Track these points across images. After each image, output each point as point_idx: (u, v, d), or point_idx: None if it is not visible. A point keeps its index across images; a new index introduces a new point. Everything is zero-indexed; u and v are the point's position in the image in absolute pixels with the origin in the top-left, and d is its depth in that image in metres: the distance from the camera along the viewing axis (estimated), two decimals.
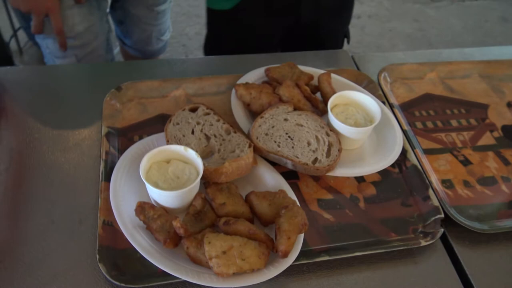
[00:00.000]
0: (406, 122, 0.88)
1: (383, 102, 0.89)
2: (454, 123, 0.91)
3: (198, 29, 2.66)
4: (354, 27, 1.27)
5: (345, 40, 1.29)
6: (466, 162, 0.83)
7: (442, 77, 1.00)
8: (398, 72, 0.98)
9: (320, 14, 1.16)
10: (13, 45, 2.20)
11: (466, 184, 0.80)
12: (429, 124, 0.90)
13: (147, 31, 1.39)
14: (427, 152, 0.84)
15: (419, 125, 0.89)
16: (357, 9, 1.25)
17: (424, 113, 0.92)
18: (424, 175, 0.78)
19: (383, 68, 0.97)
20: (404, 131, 0.85)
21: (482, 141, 0.88)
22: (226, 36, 1.20)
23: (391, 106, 0.90)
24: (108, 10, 1.26)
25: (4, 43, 1.88)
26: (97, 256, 0.62)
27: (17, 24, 2.13)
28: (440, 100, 0.96)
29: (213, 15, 1.17)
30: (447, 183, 0.79)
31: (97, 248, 0.63)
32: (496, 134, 0.89)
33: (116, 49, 1.61)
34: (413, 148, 0.82)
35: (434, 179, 0.78)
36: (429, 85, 0.99)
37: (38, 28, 1.01)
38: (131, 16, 1.35)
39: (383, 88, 0.93)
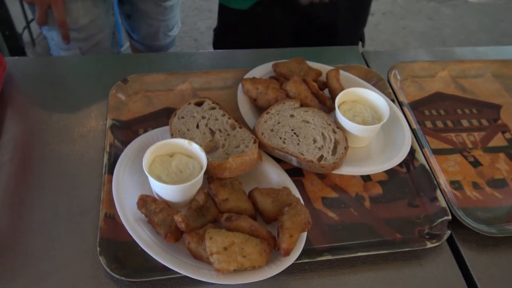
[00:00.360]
0: (415, 121, 0.86)
1: (392, 100, 0.87)
2: (465, 123, 0.89)
3: (209, 23, 2.65)
4: (367, 24, 1.25)
5: (360, 43, 1.27)
6: (476, 163, 0.81)
7: (454, 76, 0.98)
8: (408, 70, 0.96)
9: (337, 15, 1.14)
10: (26, 36, 2.22)
11: (475, 185, 0.78)
12: (439, 124, 0.88)
13: (154, 26, 1.39)
14: (436, 152, 0.82)
15: (428, 124, 0.87)
16: (371, 6, 1.23)
17: (434, 112, 0.90)
18: (432, 176, 0.76)
19: (393, 66, 0.95)
20: (413, 130, 0.83)
21: (493, 142, 0.86)
22: (239, 33, 1.19)
23: (400, 104, 0.88)
24: (115, 3, 1.26)
25: (17, 34, 1.88)
26: (98, 249, 0.62)
27: (30, 16, 2.15)
28: (451, 99, 0.94)
29: (226, 12, 1.16)
30: (456, 184, 0.78)
31: (98, 240, 0.63)
32: (508, 135, 0.87)
33: (127, 44, 1.61)
34: (421, 147, 0.81)
35: (442, 179, 0.77)
36: (440, 83, 0.97)
37: (42, 19, 1.02)
38: (138, 11, 1.34)
39: (392, 86, 0.91)
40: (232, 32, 1.21)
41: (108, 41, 1.20)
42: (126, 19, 1.42)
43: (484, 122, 0.89)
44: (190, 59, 0.96)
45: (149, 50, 1.48)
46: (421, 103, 0.92)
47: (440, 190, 0.74)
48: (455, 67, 0.99)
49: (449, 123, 0.88)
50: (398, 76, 0.95)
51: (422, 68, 0.97)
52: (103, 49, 1.19)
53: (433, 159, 0.80)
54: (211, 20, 2.68)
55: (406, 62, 0.97)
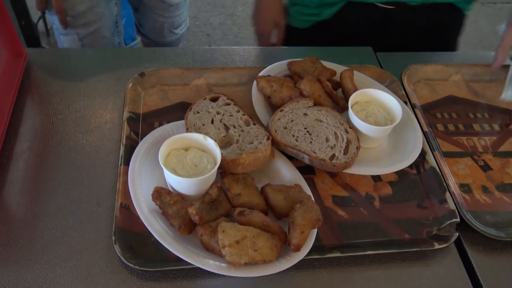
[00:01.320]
0: (427, 123, 0.86)
1: (405, 102, 0.88)
2: (476, 127, 0.89)
3: (222, 19, 2.66)
4: None
5: None
6: (486, 168, 0.82)
7: (467, 80, 0.99)
8: (422, 72, 0.97)
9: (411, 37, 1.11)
10: (40, 26, 2.24)
11: (485, 189, 0.79)
12: (451, 127, 0.88)
13: (159, 22, 1.40)
14: (447, 155, 0.83)
15: (440, 127, 0.88)
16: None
17: (446, 115, 0.91)
18: (442, 178, 0.77)
19: (407, 68, 0.96)
20: (424, 133, 0.84)
21: (504, 147, 0.86)
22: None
23: (412, 107, 0.89)
24: None
25: (33, 24, 1.91)
26: (113, 238, 0.64)
27: None
28: (464, 103, 0.94)
29: (289, 30, 1.16)
30: (465, 188, 0.78)
31: (113, 230, 0.65)
32: None
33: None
34: (432, 150, 0.81)
35: (452, 182, 0.78)
36: (453, 87, 0.97)
37: (41, 5, 1.07)
38: (143, 5, 1.36)
39: (406, 88, 0.92)
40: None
41: (108, 30, 1.22)
42: (134, 12, 1.44)
43: (496, 127, 0.90)
44: (206, 55, 0.97)
45: (155, 45, 1.49)
46: (433, 106, 0.92)
47: (450, 192, 0.75)
48: (469, 71, 0.99)
49: (461, 126, 0.89)
50: (412, 79, 0.96)
51: (436, 71, 0.98)
52: (102, 37, 1.21)
53: (443, 162, 0.81)
54: (224, 15, 2.69)
55: (419, 64, 0.97)
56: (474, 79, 0.99)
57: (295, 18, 1.13)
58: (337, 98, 0.84)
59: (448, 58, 1.06)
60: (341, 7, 1.05)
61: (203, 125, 0.76)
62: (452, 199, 0.74)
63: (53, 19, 1.15)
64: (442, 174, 0.78)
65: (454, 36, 1.18)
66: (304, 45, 1.09)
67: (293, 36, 1.16)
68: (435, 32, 1.12)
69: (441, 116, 0.90)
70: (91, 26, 1.16)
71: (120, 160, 0.73)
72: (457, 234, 0.70)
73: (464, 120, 0.90)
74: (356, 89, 0.83)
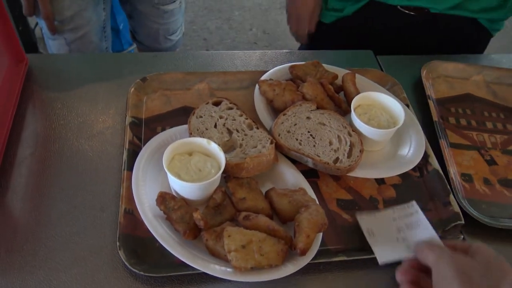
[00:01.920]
0: (438, 114, 0.87)
1: (407, 105, 0.88)
2: (489, 125, 0.90)
3: (219, 23, 2.67)
4: None
5: None
6: (491, 162, 0.82)
7: (488, 81, 0.99)
8: (442, 69, 0.98)
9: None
10: (37, 31, 2.23)
11: (486, 181, 0.79)
12: (463, 122, 0.89)
13: (154, 28, 1.40)
14: (454, 146, 0.83)
15: (452, 120, 0.89)
16: None
17: (460, 110, 0.91)
18: (445, 181, 0.77)
19: (428, 63, 0.97)
20: (434, 122, 0.85)
21: None
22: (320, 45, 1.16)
23: (427, 98, 0.89)
24: (116, 2, 1.28)
25: (30, 29, 1.90)
26: (118, 244, 0.63)
27: None
28: (480, 102, 0.95)
29: (317, 25, 1.17)
30: (466, 177, 0.79)
31: (117, 235, 0.64)
32: None
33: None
34: (439, 138, 0.82)
35: (453, 170, 0.78)
36: (473, 86, 0.98)
37: (28, 11, 1.07)
38: (137, 12, 1.36)
39: (424, 82, 0.93)
40: (314, 44, 1.20)
41: (96, 35, 1.22)
42: (129, 19, 1.44)
43: (509, 127, 0.90)
44: (207, 59, 0.97)
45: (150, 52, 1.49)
46: (449, 101, 0.93)
47: (448, 179, 0.76)
48: (491, 73, 1.00)
49: (473, 122, 0.89)
50: (431, 73, 0.96)
51: (457, 69, 0.99)
52: (90, 42, 1.21)
53: (448, 151, 0.81)
54: (221, 20, 2.70)
55: (441, 61, 0.98)
56: (496, 81, 0.99)
57: (322, 12, 1.14)
58: (339, 101, 0.84)
59: (448, 58, 1.05)
60: (364, 5, 1.06)
61: (206, 129, 0.76)
62: (450, 185, 0.75)
63: (41, 23, 1.16)
64: (444, 162, 0.78)
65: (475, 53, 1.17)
66: (327, 41, 1.11)
67: (318, 31, 1.17)
68: (456, 44, 1.12)
69: (455, 111, 0.91)
70: (78, 31, 1.16)
71: (123, 165, 0.72)
72: (462, 236, 0.70)
73: (477, 117, 0.91)
74: (358, 92, 0.83)
